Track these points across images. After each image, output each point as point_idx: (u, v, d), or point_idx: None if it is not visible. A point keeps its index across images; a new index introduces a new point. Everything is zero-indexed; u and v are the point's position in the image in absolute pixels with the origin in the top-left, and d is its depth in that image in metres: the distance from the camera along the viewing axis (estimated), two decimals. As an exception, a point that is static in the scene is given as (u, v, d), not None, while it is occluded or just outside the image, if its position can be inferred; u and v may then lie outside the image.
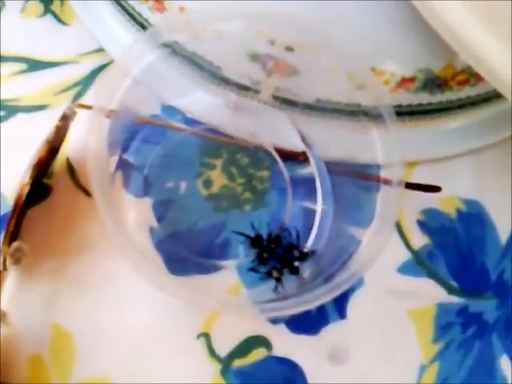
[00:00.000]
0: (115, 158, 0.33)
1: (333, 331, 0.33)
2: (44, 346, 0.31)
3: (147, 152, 0.34)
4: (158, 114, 0.35)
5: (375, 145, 0.30)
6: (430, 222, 0.35)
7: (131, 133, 0.34)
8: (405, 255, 0.34)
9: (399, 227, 0.35)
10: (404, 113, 0.34)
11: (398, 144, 0.29)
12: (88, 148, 0.27)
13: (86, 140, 0.28)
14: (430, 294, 0.33)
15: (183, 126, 0.35)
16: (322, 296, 0.27)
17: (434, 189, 0.34)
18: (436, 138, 0.35)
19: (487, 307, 0.33)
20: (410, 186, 0.33)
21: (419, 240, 0.34)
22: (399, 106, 0.34)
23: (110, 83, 0.29)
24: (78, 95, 0.36)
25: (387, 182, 0.29)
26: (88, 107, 0.32)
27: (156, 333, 0.32)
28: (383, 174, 0.30)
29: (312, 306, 0.27)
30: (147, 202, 0.33)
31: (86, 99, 0.36)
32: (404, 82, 0.32)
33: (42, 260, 0.32)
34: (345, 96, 0.32)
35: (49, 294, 0.32)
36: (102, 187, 0.27)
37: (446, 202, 0.35)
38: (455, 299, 0.33)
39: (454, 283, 0.34)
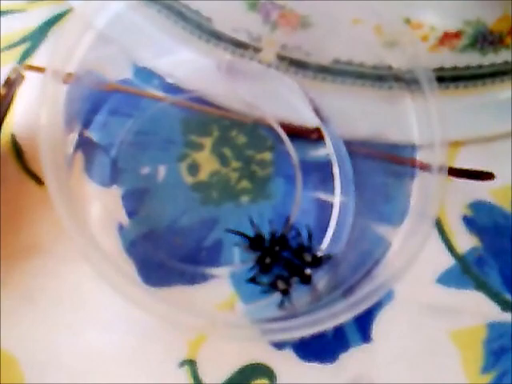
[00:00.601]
0: (74, 136, 0.33)
1: (354, 359, 0.33)
2: (-16, 375, 0.31)
3: (116, 128, 0.34)
4: (130, 79, 0.35)
5: (410, 119, 0.30)
6: (480, 219, 0.35)
7: (95, 103, 0.34)
8: (447, 261, 0.34)
9: (440, 226, 0.35)
10: (447, 78, 0.34)
11: (439, 118, 0.29)
12: (39, 122, 0.27)
13: (36, 112, 0.27)
14: (479, 310, 0.34)
15: (162, 94, 0.35)
16: (341, 313, 0.27)
17: (486, 176, 0.33)
18: (488, 110, 0.35)
19: (552, 328, 0.33)
20: (455, 172, 0.33)
21: (466, 242, 0.35)
22: (441, 69, 0.34)
23: (67, 39, 0.29)
24: (27, 54, 0.36)
25: (425, 167, 0.29)
26: (39, 69, 0.32)
27: (128, 360, 0.32)
28: (420, 156, 0.30)
29: (328, 326, 0.27)
30: (116, 193, 0.33)
31: (37, 59, 0.36)
32: (447, 37, 0.32)
33: (-19, 267, 0.32)
34: (371, 56, 0.32)
35: (-11, 310, 0.32)
36: (58, 173, 0.27)
37: (500, 194, 0.35)
38: (511, 317, 0.33)
39: (509, 297, 0.34)
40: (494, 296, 0.34)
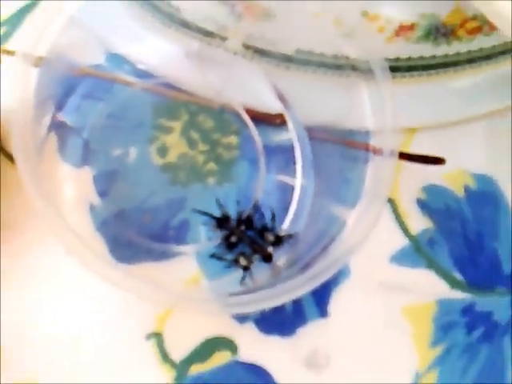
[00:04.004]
0: (48, 118, 0.33)
1: (311, 332, 0.33)
2: (-41, 348, 0.31)
3: (88, 111, 0.34)
4: (102, 64, 0.35)
5: (365, 107, 0.30)
6: (433, 202, 0.35)
7: (68, 87, 0.33)
8: (401, 241, 0.34)
9: (395, 208, 0.35)
10: (402, 68, 0.34)
11: (391, 105, 0.29)
12: (10, 104, 0.27)
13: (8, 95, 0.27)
14: (430, 288, 0.34)
15: (133, 79, 0.34)
16: (299, 287, 0.27)
17: (436, 161, 0.33)
18: (441, 99, 0.35)
19: (498, 305, 0.33)
20: (406, 156, 0.33)
21: (419, 223, 0.34)
22: (396, 60, 0.34)
23: (39, 22, 0.28)
24: (3, 39, 0.35)
25: (378, 151, 0.29)
26: (11, 53, 0.31)
27: (96, 333, 0.32)
28: (373, 142, 0.30)
29: (286, 299, 0.27)
30: (87, 173, 0.33)
31: (14, 44, 0.35)
32: (403, 29, 0.32)
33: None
34: (330, 46, 0.32)
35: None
36: (28, 154, 0.27)
37: (452, 178, 0.35)
38: (459, 295, 0.34)
39: (458, 276, 0.34)
40: (444, 275, 0.34)
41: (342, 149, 0.33)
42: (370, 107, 0.30)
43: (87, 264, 0.26)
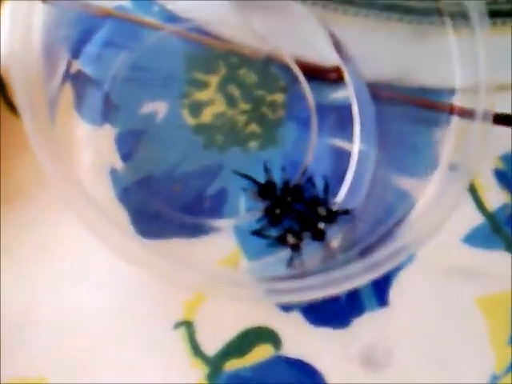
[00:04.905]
0: (62, 67, 0.30)
1: (369, 324, 0.30)
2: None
3: (109, 59, 0.30)
4: (126, 6, 0.31)
5: (445, 59, 0.27)
6: None
7: (86, 31, 0.30)
8: (475, 219, 0.31)
9: None
10: (498, 12, 0.30)
11: (487, 58, 0.25)
12: (12, 46, 0.23)
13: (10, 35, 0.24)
14: (509, 274, 0.30)
15: (163, 23, 0.31)
16: (357, 276, 0.24)
17: None
18: None
19: None
20: (502, 119, 0.30)
21: (496, 198, 0.31)
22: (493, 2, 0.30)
23: None
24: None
25: (466, 113, 0.26)
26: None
27: (116, 320, 0.29)
28: (460, 101, 0.27)
29: (342, 289, 0.24)
30: (108, 133, 0.30)
31: None
32: None
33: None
34: None
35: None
36: (38, 108, 0.24)
37: None
38: None
39: None
40: (527, 258, 0.32)
41: (414, 110, 0.30)
42: (460, 58, 0.26)
43: (106, 239, 0.24)
